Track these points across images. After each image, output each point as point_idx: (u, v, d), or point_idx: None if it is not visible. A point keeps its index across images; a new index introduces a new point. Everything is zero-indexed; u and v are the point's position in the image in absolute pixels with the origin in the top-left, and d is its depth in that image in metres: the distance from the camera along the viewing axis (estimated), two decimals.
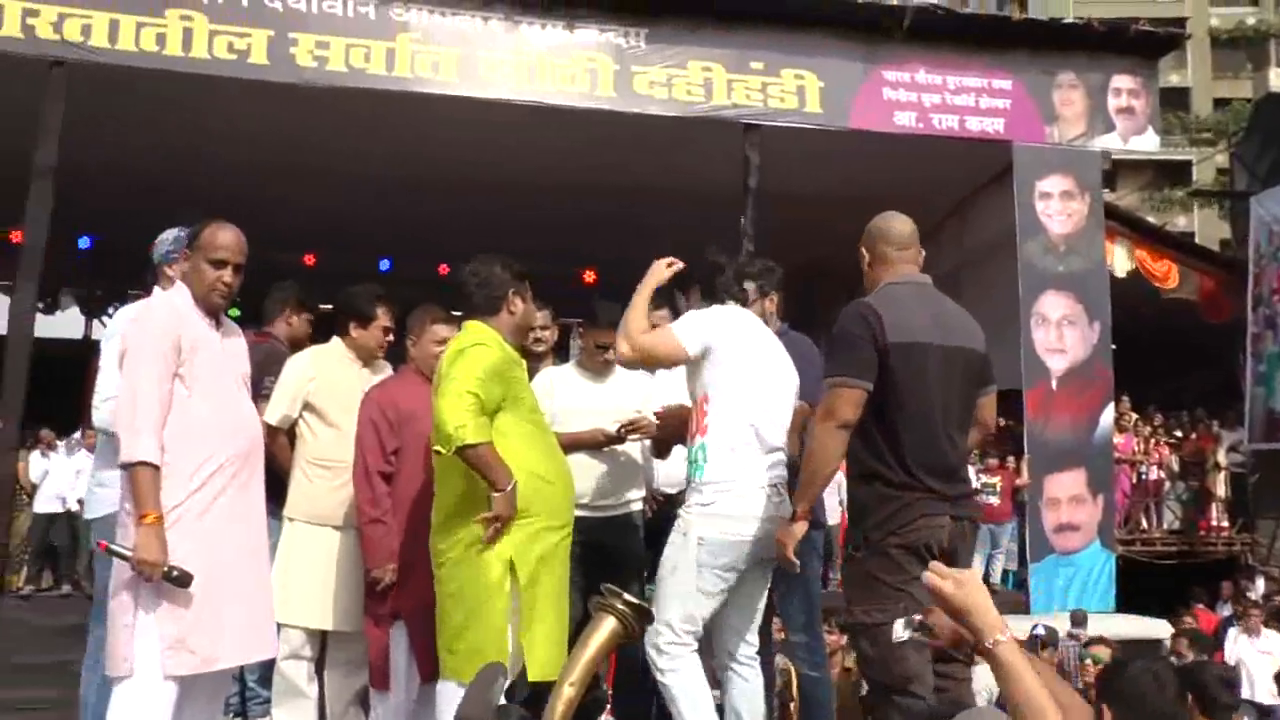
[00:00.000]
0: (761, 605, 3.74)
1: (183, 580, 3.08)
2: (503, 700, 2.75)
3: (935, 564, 2.82)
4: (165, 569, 3.05)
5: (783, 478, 3.61)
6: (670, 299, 4.22)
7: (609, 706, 4.68)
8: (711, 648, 3.75)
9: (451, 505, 3.48)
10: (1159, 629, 9.03)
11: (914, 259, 3.47)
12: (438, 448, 3.37)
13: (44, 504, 8.91)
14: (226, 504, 3.24)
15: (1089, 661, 5.58)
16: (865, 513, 3.24)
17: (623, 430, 4.23)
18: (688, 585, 3.50)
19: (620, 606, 2.33)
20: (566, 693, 2.23)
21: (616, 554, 4.34)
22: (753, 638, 3.71)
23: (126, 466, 3.13)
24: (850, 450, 3.26)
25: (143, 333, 3.24)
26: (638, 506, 4.55)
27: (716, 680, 3.80)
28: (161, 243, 4.08)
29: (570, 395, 4.37)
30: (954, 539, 3.23)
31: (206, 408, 3.24)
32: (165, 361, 3.18)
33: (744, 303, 3.91)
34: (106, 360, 3.85)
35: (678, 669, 3.50)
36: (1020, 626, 6.43)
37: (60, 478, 9.12)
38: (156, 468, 3.11)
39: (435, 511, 3.55)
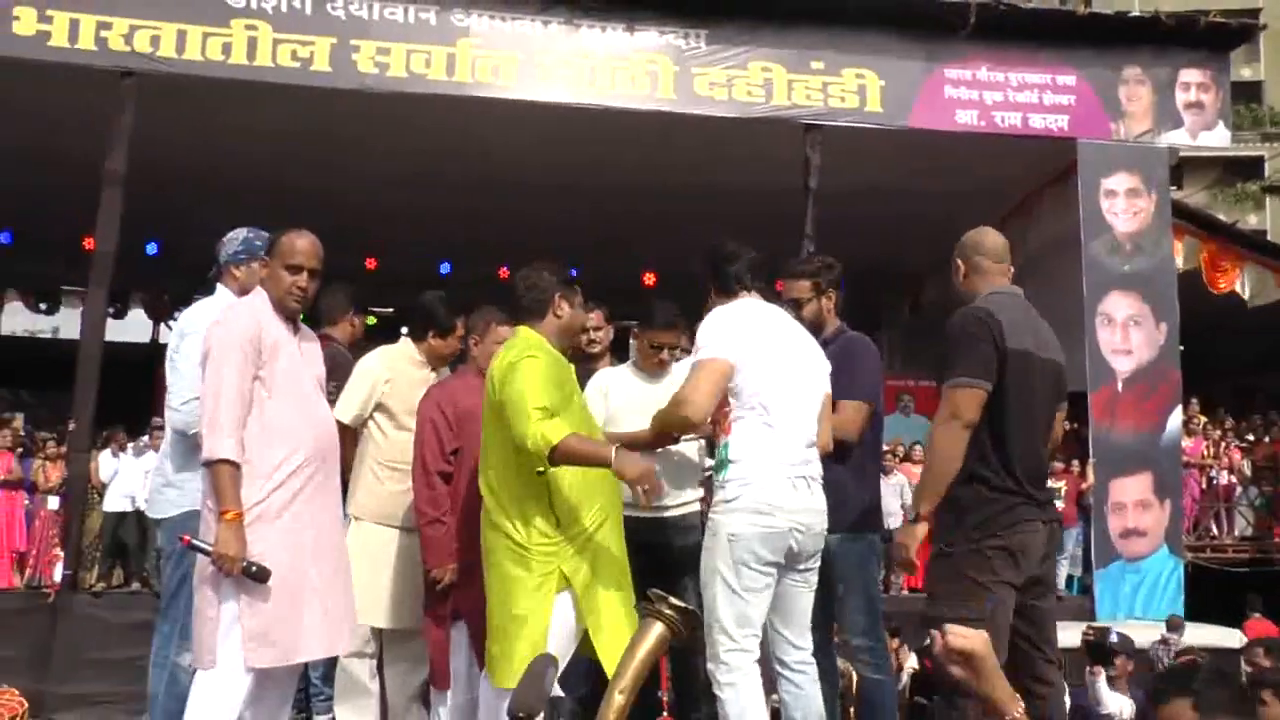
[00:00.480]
0: (807, 607, 3.64)
1: (261, 575, 3.17)
2: (557, 691, 2.76)
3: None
4: (244, 564, 3.15)
5: (814, 470, 3.57)
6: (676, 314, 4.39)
7: (665, 712, 4.67)
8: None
9: (505, 502, 3.49)
10: (1230, 638, 8.80)
11: (1007, 272, 3.60)
12: (539, 469, 3.41)
13: (113, 503, 9.11)
14: (305, 502, 3.33)
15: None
16: (965, 512, 3.30)
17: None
18: (731, 586, 3.44)
19: (667, 611, 2.32)
20: (617, 700, 2.23)
21: (673, 555, 4.33)
22: (803, 642, 3.63)
23: (208, 464, 3.23)
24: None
25: (226, 334, 3.31)
26: (695, 507, 4.54)
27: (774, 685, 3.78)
28: (230, 242, 4.12)
29: (625, 395, 4.36)
30: (1047, 543, 3.40)
31: (286, 409, 3.34)
32: (247, 363, 3.28)
33: (760, 293, 3.80)
34: (183, 362, 3.90)
35: (735, 682, 3.42)
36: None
37: (129, 477, 9.31)
38: (237, 466, 3.21)
39: (490, 509, 3.56)
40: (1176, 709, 2.37)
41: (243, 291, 3.89)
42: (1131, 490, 9.14)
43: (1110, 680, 5.88)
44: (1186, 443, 11.31)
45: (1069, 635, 6.59)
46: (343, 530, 3.60)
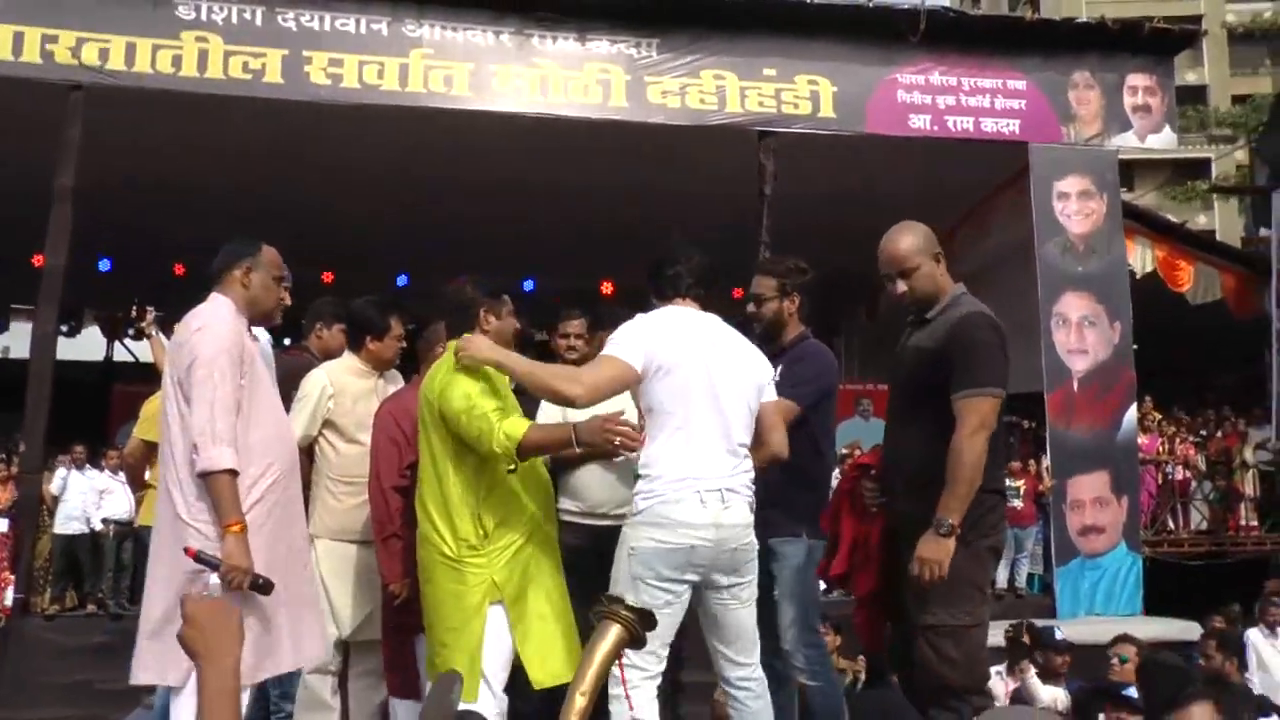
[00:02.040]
0: (742, 623, 3.50)
1: (266, 588, 3.15)
2: (464, 706, 2.76)
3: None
4: (252, 577, 3.14)
5: (738, 482, 3.42)
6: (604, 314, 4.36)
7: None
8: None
9: (435, 516, 3.49)
10: (1189, 631, 8.92)
11: None
12: (510, 467, 3.43)
13: (65, 524, 8.96)
14: (280, 516, 3.34)
15: (1115, 661, 5.50)
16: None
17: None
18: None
19: (624, 613, 2.34)
20: (578, 702, 2.24)
21: None
22: (745, 658, 3.51)
23: (207, 474, 3.17)
24: (936, 454, 3.27)
25: (215, 342, 3.27)
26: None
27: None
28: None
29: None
30: None
31: (263, 420, 3.34)
32: (235, 371, 3.27)
33: (701, 300, 3.65)
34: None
35: (620, 695, 3.24)
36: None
37: (81, 496, 9.16)
38: (236, 475, 3.19)
39: (421, 523, 3.55)
40: (1197, 710, 2.40)
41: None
42: (1089, 488, 9.24)
43: (1046, 674, 5.96)
44: (1142, 439, 11.44)
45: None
46: (309, 543, 3.57)
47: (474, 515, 3.41)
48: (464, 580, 3.40)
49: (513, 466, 3.36)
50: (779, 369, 3.92)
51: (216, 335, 3.29)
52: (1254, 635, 7.92)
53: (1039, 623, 6.65)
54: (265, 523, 3.28)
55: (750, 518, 3.42)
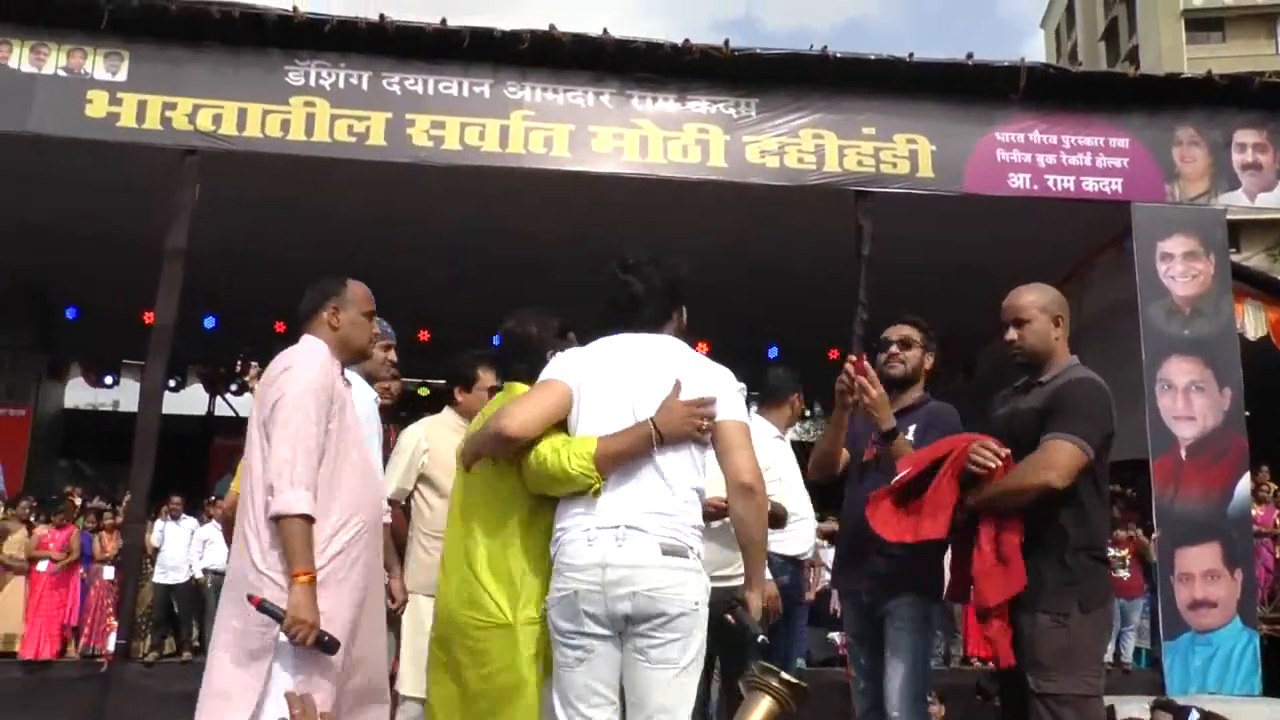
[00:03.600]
0: (647, 687, 2.89)
1: (331, 647, 3.00)
2: None
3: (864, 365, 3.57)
4: (318, 633, 2.97)
5: (645, 521, 2.92)
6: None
7: None
8: None
9: (487, 577, 3.09)
10: None
11: None
12: (596, 486, 2.97)
13: (163, 574, 9.16)
14: (363, 570, 3.20)
15: None
16: (1077, 583, 3.32)
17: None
18: (555, 660, 2.97)
19: (775, 684, 2.24)
20: None
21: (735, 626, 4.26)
22: None
23: (281, 518, 3.01)
24: (1060, 521, 3.32)
25: (301, 381, 3.14)
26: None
27: None
28: None
29: None
30: None
31: (348, 467, 3.20)
32: (322, 413, 3.12)
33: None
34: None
35: None
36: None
37: (179, 546, 9.36)
38: (313, 522, 3.02)
39: (466, 584, 3.12)
40: None
41: (365, 374, 4.11)
42: (1199, 560, 8.86)
43: None
44: (1257, 511, 10.97)
45: (1133, 708, 6.38)
46: (384, 598, 3.54)
47: (547, 578, 3.01)
48: (517, 650, 2.99)
49: (597, 487, 2.94)
50: (911, 428, 3.87)
51: (305, 374, 3.16)
52: None
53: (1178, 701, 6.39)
54: (347, 576, 3.13)
55: (662, 560, 2.88)
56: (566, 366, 3.11)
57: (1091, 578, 3.34)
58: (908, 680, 3.77)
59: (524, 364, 3.27)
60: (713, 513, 4.05)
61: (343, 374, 3.39)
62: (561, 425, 3.06)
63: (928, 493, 3.40)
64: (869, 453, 3.98)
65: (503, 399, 3.26)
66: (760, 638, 3.04)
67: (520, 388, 3.22)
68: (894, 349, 4.06)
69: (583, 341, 3.25)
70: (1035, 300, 3.56)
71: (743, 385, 3.18)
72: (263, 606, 3.00)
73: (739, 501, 3.00)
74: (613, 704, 2.95)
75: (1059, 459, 3.26)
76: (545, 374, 3.11)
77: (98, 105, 8.12)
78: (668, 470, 2.96)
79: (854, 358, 3.67)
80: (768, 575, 4.82)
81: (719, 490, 4.06)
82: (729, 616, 3.08)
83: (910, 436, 3.81)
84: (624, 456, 2.94)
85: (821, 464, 4.14)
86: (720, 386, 3.06)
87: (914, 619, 3.81)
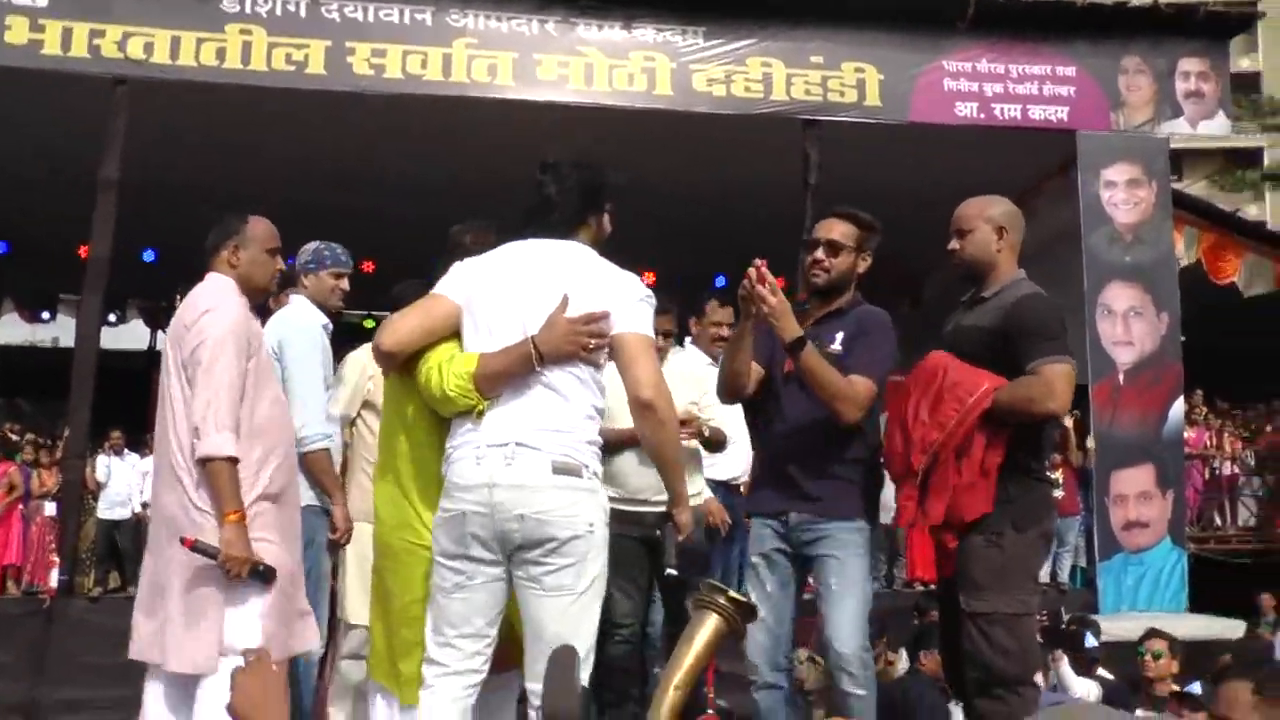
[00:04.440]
0: (542, 619, 2.77)
1: (267, 575, 3.12)
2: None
3: (764, 272, 3.30)
4: (251, 565, 3.09)
5: (536, 438, 2.78)
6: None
7: (710, 710, 4.62)
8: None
9: (418, 500, 3.01)
10: (1234, 629, 8.77)
11: None
12: (480, 408, 2.84)
13: (108, 510, 9.08)
14: (288, 497, 3.33)
15: (1149, 657, 5.39)
16: (1012, 502, 3.25)
17: None
18: (433, 582, 2.86)
19: (724, 602, 2.24)
20: (672, 696, 2.13)
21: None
22: (543, 669, 2.84)
23: (207, 461, 3.11)
24: (995, 439, 3.22)
25: (222, 324, 3.21)
26: (697, 501, 4.51)
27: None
28: (302, 253, 4.43)
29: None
30: None
31: (267, 403, 3.29)
32: (241, 355, 3.20)
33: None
34: (292, 369, 4.10)
35: (419, 701, 2.83)
36: None
37: (124, 481, 9.27)
38: (237, 463, 3.12)
39: (395, 506, 3.05)
40: (1236, 690, 2.38)
41: (313, 299, 4.24)
42: (1133, 482, 9.10)
43: (1081, 665, 5.90)
44: (1189, 434, 11.27)
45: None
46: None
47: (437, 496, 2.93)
48: (427, 573, 2.92)
49: (481, 407, 2.81)
50: (838, 336, 3.57)
51: (225, 317, 3.22)
52: None
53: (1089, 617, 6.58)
54: (281, 506, 3.27)
55: (554, 480, 2.75)
56: (457, 278, 2.98)
57: (1028, 496, 3.28)
58: (858, 612, 3.49)
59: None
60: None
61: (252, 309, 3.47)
62: (458, 337, 2.93)
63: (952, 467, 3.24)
64: (788, 364, 3.59)
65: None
66: (669, 571, 3.03)
67: None
68: (819, 253, 3.66)
69: None
70: (978, 210, 3.48)
71: (648, 294, 2.95)
72: (196, 546, 3.10)
73: (638, 418, 2.87)
74: (485, 639, 2.82)
75: (1059, 386, 3.18)
76: (437, 285, 3.00)
77: (18, 31, 7.80)
78: (560, 386, 2.80)
79: (758, 262, 3.36)
80: (707, 493, 4.89)
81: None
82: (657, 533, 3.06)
83: (836, 345, 3.54)
84: (503, 377, 2.79)
85: (729, 385, 3.69)
86: (618, 298, 2.87)
87: (858, 544, 3.51)
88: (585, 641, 2.76)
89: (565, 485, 2.76)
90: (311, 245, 4.45)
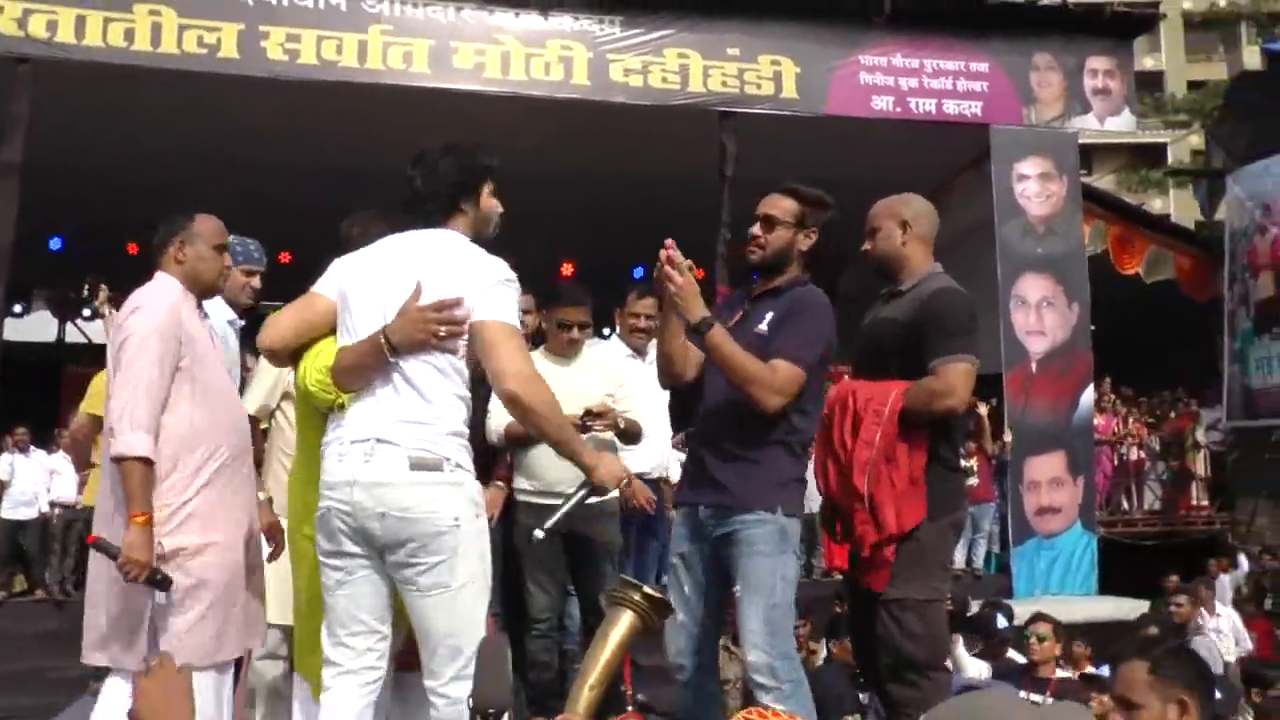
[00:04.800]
0: (426, 618, 2.74)
1: (164, 584, 3.02)
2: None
3: (673, 253, 3.13)
4: (150, 571, 2.99)
5: (394, 432, 2.73)
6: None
7: (630, 708, 4.60)
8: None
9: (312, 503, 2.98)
10: (1141, 610, 9.03)
11: None
12: (339, 401, 2.85)
13: (12, 509, 8.78)
14: (232, 498, 3.23)
15: (1034, 640, 5.52)
16: (926, 492, 3.26)
17: (586, 420, 4.11)
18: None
19: (638, 599, 2.22)
20: (587, 695, 2.11)
21: (592, 543, 4.33)
22: (434, 665, 2.75)
23: (120, 460, 3.04)
24: (915, 442, 3.25)
25: (147, 323, 3.15)
26: (613, 494, 4.49)
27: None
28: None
29: None
30: None
31: (205, 404, 3.21)
32: (168, 355, 3.13)
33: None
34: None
35: (321, 698, 2.81)
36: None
37: (30, 479, 8.98)
38: (151, 464, 3.04)
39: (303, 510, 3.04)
40: (1133, 669, 2.43)
41: (222, 295, 3.96)
42: (1046, 468, 9.34)
43: (992, 648, 6.04)
44: (1098, 420, 11.57)
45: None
46: (258, 525, 3.49)
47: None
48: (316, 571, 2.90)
49: (340, 401, 2.81)
50: (767, 315, 3.34)
51: (151, 315, 3.17)
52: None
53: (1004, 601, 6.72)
54: (216, 507, 3.18)
55: (412, 476, 2.69)
56: (332, 274, 2.95)
57: (941, 486, 3.29)
58: (764, 616, 3.18)
59: None
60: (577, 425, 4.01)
61: (200, 307, 3.37)
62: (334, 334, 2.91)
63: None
64: None
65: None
66: (534, 532, 2.99)
67: None
68: (755, 229, 3.45)
69: None
70: (884, 208, 3.51)
71: (510, 278, 2.84)
72: (98, 544, 3.06)
73: (509, 409, 2.82)
74: (377, 634, 2.79)
75: (956, 382, 3.22)
76: (316, 284, 2.97)
77: None
78: (418, 377, 2.75)
79: (668, 243, 3.19)
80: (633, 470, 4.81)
81: None
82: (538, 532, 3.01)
83: (763, 326, 3.32)
84: (358, 370, 2.75)
85: (663, 370, 3.53)
86: (475, 283, 2.77)
87: (766, 538, 3.21)
88: (475, 634, 2.67)
89: (424, 480, 2.70)
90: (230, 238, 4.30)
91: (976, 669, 5.75)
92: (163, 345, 3.12)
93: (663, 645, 3.40)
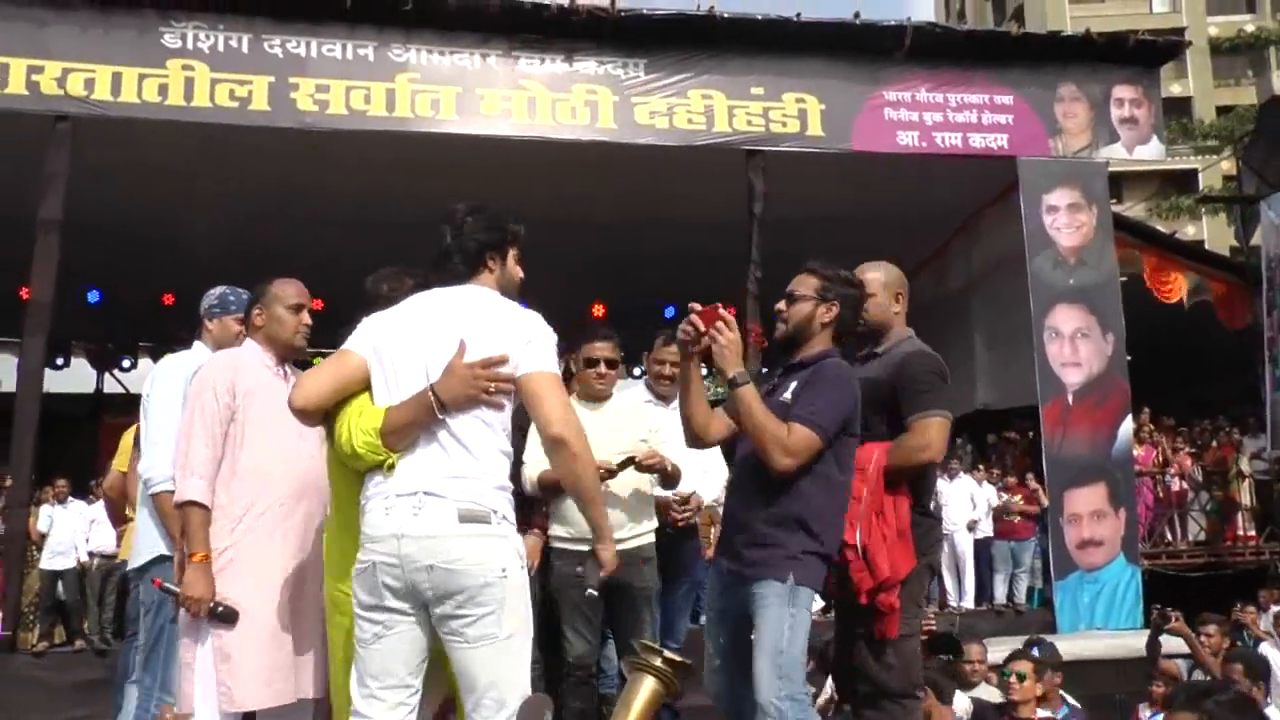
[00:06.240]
0: (470, 669, 2.75)
1: (227, 617, 3.24)
2: None
3: (710, 311, 3.35)
4: (211, 605, 3.24)
5: (445, 486, 2.77)
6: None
7: None
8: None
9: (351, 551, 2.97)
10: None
11: None
12: (389, 462, 2.84)
13: (52, 560, 8.85)
14: (277, 545, 3.38)
15: (1013, 679, 5.35)
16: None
17: (619, 467, 4.15)
18: (354, 635, 2.85)
19: (659, 664, 2.19)
20: None
21: (631, 588, 4.29)
22: (478, 716, 2.74)
23: (179, 506, 3.37)
24: (898, 496, 3.55)
25: (200, 382, 3.49)
26: (649, 539, 4.48)
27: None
28: (207, 297, 4.31)
29: None
30: None
31: (258, 453, 3.42)
32: (219, 408, 3.42)
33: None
34: (155, 414, 3.98)
35: None
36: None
37: (68, 530, 9.05)
38: (205, 508, 3.33)
39: (342, 558, 3.02)
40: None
41: (216, 345, 4.12)
42: (1086, 501, 9.21)
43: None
44: (1138, 451, 11.42)
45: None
46: (316, 575, 3.49)
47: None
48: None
49: (391, 462, 2.81)
50: (791, 385, 3.45)
51: (206, 376, 3.50)
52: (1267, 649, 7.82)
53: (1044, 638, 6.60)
54: (261, 554, 3.33)
55: (461, 528, 2.73)
56: (364, 332, 2.97)
57: (917, 531, 3.59)
58: (770, 663, 3.26)
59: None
60: (603, 475, 4.03)
61: (281, 365, 3.61)
62: (370, 391, 2.92)
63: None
64: None
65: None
66: (589, 591, 3.02)
67: None
68: (779, 305, 3.63)
69: None
70: (878, 277, 3.80)
71: (547, 331, 2.90)
72: (163, 587, 3.43)
73: (551, 454, 2.85)
74: (409, 689, 2.79)
75: (932, 435, 3.56)
76: (347, 341, 2.97)
77: None
78: (462, 434, 2.79)
79: (697, 306, 3.35)
80: (702, 494, 4.79)
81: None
82: (578, 569, 3.04)
83: (787, 395, 3.43)
84: (408, 429, 2.79)
85: (686, 430, 3.62)
86: (516, 339, 2.83)
87: (776, 596, 3.28)
88: (519, 688, 2.73)
89: (473, 533, 2.74)
90: (216, 290, 4.31)
91: (960, 703, 5.63)
92: (214, 401, 3.42)
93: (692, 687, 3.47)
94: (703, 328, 3.32)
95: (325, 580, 3.12)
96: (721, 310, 3.35)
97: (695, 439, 3.61)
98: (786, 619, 3.26)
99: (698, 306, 3.35)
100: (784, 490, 3.31)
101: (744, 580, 3.35)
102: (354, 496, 2.93)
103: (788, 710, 3.23)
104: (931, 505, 3.84)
